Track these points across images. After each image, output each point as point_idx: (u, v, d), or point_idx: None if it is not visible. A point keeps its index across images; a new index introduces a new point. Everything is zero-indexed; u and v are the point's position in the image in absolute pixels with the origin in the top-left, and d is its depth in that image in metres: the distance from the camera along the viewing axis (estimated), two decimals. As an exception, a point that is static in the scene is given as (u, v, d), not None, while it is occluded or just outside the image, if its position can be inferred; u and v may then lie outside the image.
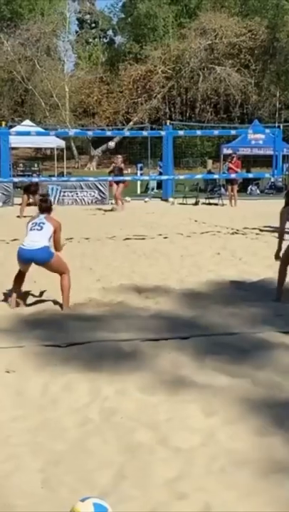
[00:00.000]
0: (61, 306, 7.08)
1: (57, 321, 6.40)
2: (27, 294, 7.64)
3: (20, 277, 7.26)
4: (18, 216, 16.23)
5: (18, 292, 7.30)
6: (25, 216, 14.56)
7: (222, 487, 3.26)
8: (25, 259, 7.02)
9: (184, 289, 7.91)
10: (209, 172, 29.40)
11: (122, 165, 20.27)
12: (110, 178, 19.40)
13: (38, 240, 6.95)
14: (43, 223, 7.06)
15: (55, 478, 3.37)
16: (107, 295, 7.62)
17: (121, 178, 18.56)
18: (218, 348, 5.41)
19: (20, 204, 17.74)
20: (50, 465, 3.50)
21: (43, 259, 6.98)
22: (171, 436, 3.82)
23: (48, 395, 4.52)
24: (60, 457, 3.59)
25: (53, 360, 5.16)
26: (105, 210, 19.24)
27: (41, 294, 7.70)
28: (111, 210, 19.20)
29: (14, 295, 7.24)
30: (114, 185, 19.16)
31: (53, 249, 7.09)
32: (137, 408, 4.24)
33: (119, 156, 20.85)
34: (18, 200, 21.60)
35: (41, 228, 7.02)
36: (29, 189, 17.25)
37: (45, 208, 7.33)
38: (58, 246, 7.19)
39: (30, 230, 7.07)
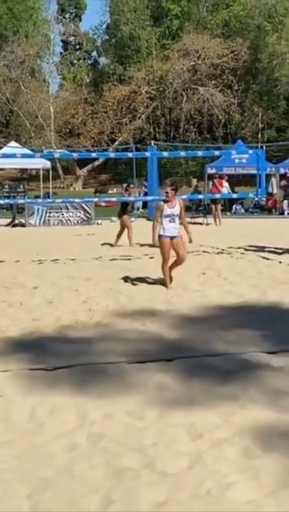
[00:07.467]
0: None
1: (44, 344, 6.40)
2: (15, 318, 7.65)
3: None
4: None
5: None
6: None
7: (209, 510, 3.27)
8: None
9: (169, 310, 7.95)
10: (196, 189, 29.53)
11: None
12: (96, 199, 19.36)
13: None
14: None
15: (43, 504, 3.37)
16: (94, 317, 7.63)
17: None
18: (203, 369, 5.44)
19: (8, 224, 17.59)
20: (37, 491, 3.50)
21: None
22: (158, 461, 3.84)
23: (35, 419, 4.52)
24: (48, 483, 3.59)
25: (40, 384, 5.16)
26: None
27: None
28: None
29: None
30: None
31: None
32: (124, 433, 4.26)
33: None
34: (2, 221, 21.66)
35: None
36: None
37: None
38: None
39: None
